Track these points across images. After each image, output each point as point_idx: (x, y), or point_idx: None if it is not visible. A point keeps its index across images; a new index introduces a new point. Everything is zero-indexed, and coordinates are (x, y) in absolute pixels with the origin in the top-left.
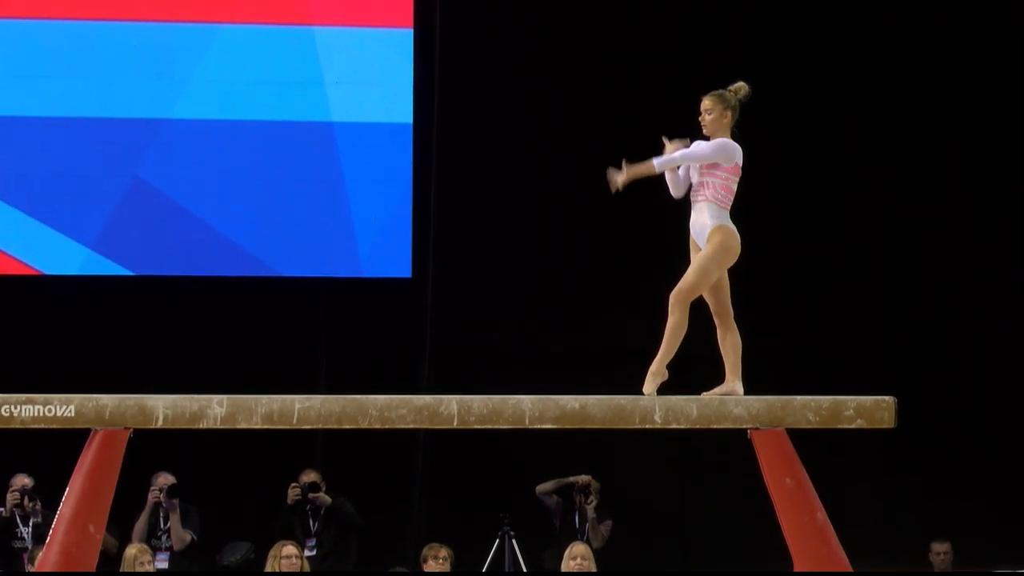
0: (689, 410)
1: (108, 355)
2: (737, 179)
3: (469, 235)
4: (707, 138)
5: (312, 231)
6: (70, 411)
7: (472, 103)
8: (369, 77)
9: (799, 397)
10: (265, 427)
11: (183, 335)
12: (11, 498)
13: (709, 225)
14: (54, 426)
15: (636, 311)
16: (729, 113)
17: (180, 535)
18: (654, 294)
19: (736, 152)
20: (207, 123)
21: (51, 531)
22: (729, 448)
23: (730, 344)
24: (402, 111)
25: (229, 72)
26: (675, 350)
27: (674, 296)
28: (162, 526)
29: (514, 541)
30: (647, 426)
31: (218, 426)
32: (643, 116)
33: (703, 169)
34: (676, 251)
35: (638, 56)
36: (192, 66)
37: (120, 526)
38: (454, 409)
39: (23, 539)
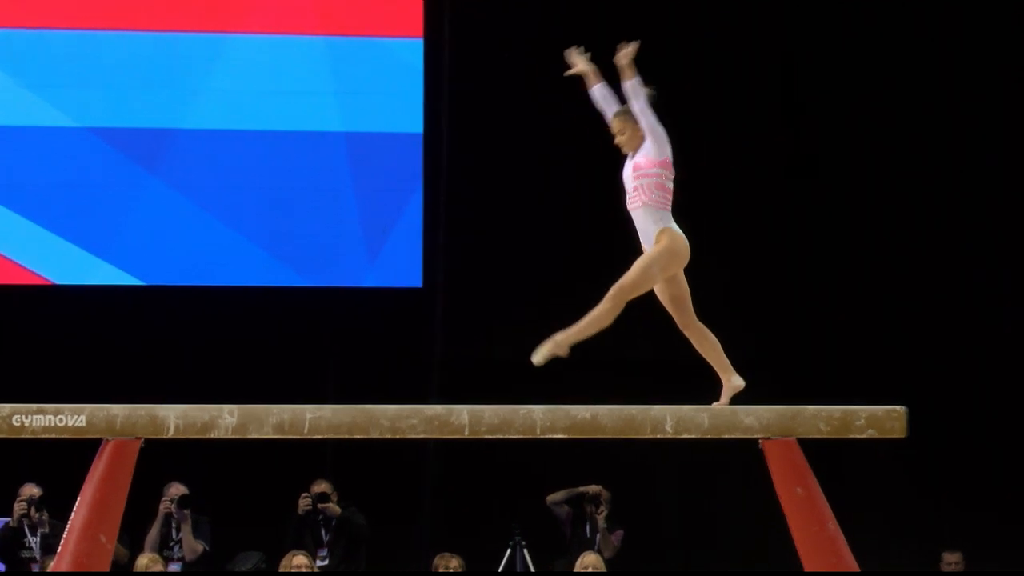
0: (700, 420)
1: (119, 365)
2: (672, 176)
3: (480, 245)
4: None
5: (323, 241)
6: (81, 421)
7: (482, 112)
8: (379, 87)
9: (810, 407)
10: (276, 437)
11: (193, 345)
12: (18, 508)
13: (653, 231)
14: (65, 436)
15: (647, 322)
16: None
17: (192, 545)
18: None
19: (668, 143)
20: (218, 133)
21: (62, 541)
22: (740, 458)
23: (709, 345)
24: (412, 121)
25: (240, 82)
26: (587, 335)
27: (613, 289)
28: (174, 536)
29: (525, 551)
30: (658, 436)
31: (229, 436)
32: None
33: (635, 173)
34: (691, 263)
35: (647, 64)
36: (203, 76)
37: (132, 536)
38: (465, 419)
39: (31, 549)
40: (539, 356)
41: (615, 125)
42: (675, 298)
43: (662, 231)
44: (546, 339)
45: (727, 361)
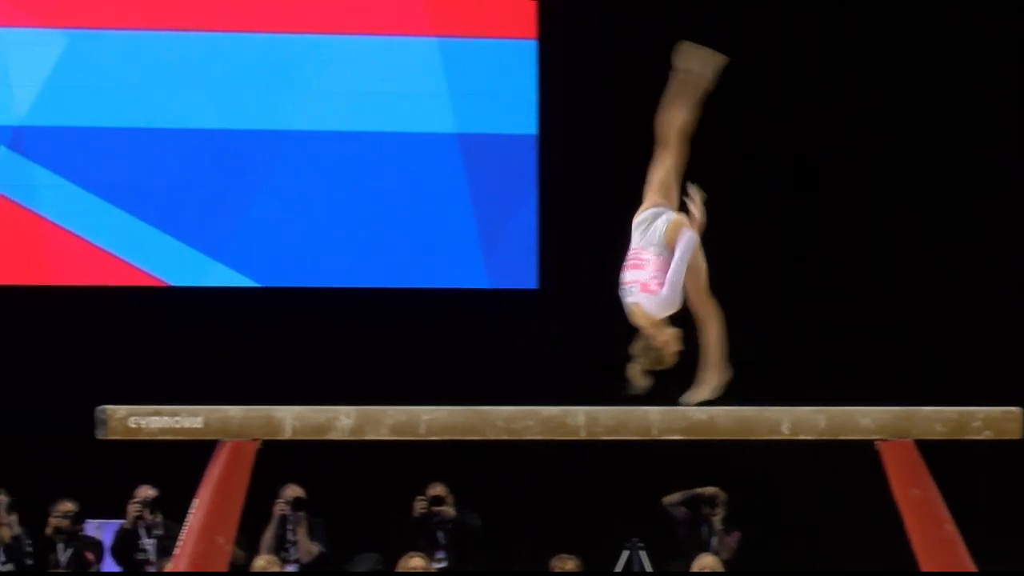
0: (817, 421)
1: (235, 366)
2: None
3: (594, 246)
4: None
5: (437, 243)
6: (198, 423)
7: (597, 113)
8: (493, 88)
9: (926, 408)
10: (392, 438)
11: (309, 346)
12: (133, 509)
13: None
14: (181, 438)
15: (758, 323)
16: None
17: (307, 547)
18: (773, 308)
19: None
20: (332, 135)
21: (180, 543)
22: (856, 458)
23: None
24: (527, 122)
25: (353, 83)
26: (724, 347)
27: (703, 298)
28: (290, 538)
29: (642, 553)
30: (774, 437)
31: (346, 437)
32: (764, 123)
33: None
34: (798, 264)
35: (761, 66)
36: (316, 77)
37: (248, 538)
38: (581, 420)
39: (146, 551)
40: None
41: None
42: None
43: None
44: (703, 386)
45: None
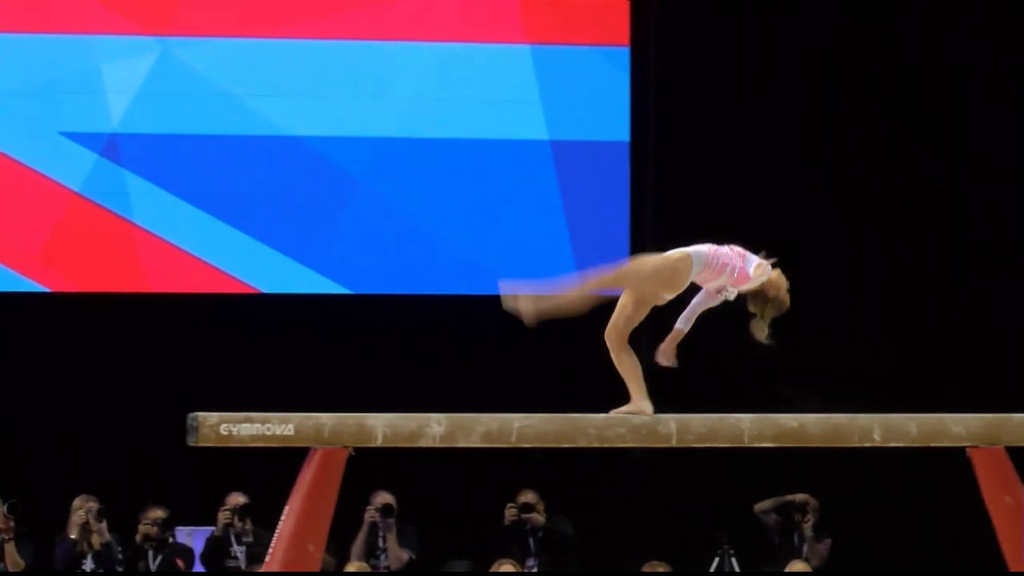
0: (908, 429)
1: (326, 373)
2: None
3: None
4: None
5: (529, 249)
6: (289, 430)
7: (690, 120)
8: (585, 95)
9: (1017, 415)
10: (484, 446)
11: (400, 353)
12: (223, 517)
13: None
14: (273, 445)
15: (847, 331)
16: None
17: (397, 554)
18: (863, 315)
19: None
20: (424, 142)
21: (271, 550)
22: (947, 465)
23: (627, 366)
24: (619, 129)
25: (445, 90)
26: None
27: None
28: (380, 545)
29: (733, 559)
30: (865, 445)
31: (437, 445)
32: (864, 134)
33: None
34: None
35: (854, 74)
36: (409, 85)
37: (339, 544)
38: (672, 428)
39: (236, 558)
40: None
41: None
42: (625, 308)
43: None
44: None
45: (643, 386)
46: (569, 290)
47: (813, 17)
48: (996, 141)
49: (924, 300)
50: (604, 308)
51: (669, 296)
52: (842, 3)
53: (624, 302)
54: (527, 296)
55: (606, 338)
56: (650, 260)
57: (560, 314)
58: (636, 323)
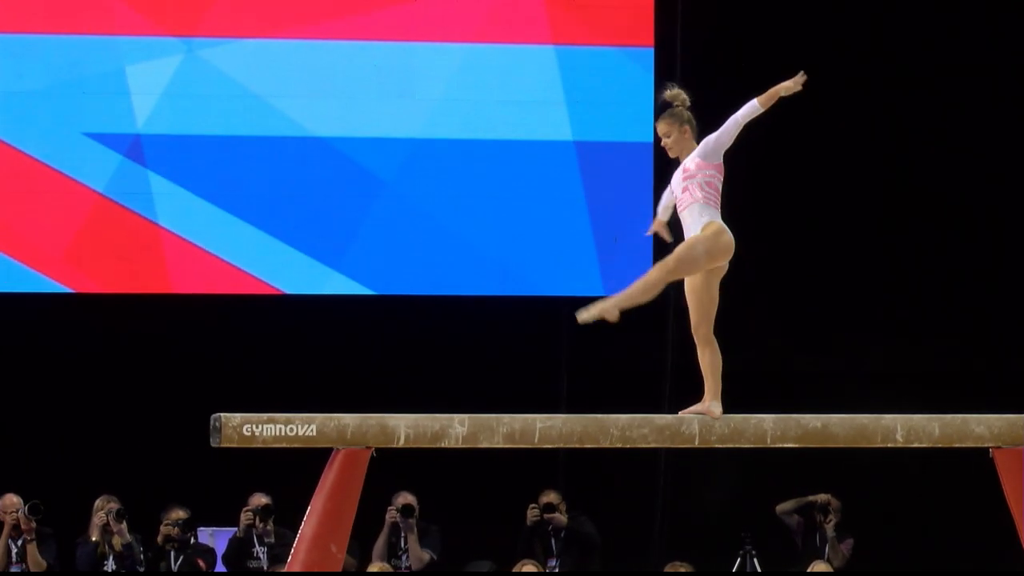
0: (931, 429)
1: (349, 374)
2: (722, 177)
3: None
4: (678, 161)
5: (553, 250)
6: (311, 430)
7: (714, 122)
8: (610, 96)
9: None
10: (507, 446)
11: (423, 354)
12: (244, 518)
13: (699, 224)
14: (296, 445)
15: (875, 333)
16: (687, 127)
17: (418, 555)
18: (887, 316)
19: (714, 145)
20: (448, 142)
21: (293, 550)
22: (970, 465)
23: (708, 362)
24: (643, 130)
25: (470, 91)
26: (635, 303)
27: (658, 265)
28: (402, 546)
29: (756, 560)
30: (888, 445)
31: (460, 445)
32: (895, 145)
33: (682, 178)
34: (913, 274)
35: (884, 72)
36: (433, 85)
37: (361, 545)
38: (695, 428)
39: (259, 559)
40: (586, 315)
41: (660, 128)
42: (702, 301)
43: (709, 223)
44: (597, 301)
45: (719, 385)
46: (635, 287)
47: (838, 16)
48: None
49: (947, 300)
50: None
51: (726, 261)
52: (867, 2)
53: (696, 294)
54: (601, 303)
55: (695, 333)
56: (698, 244)
57: (636, 303)
58: (716, 305)
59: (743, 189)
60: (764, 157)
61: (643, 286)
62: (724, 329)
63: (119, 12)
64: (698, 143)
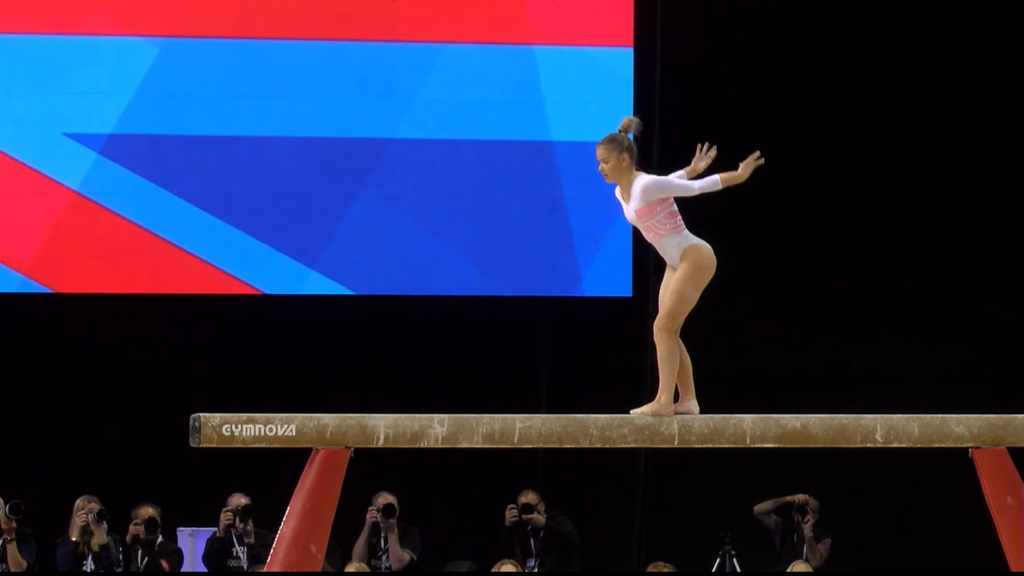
0: (911, 429)
1: (328, 374)
2: (672, 201)
3: None
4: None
5: (532, 250)
6: (291, 431)
7: (692, 123)
8: (589, 96)
9: (1020, 416)
10: (486, 446)
11: (403, 354)
12: (224, 518)
13: (676, 254)
14: (275, 445)
15: (855, 333)
16: (626, 155)
17: (398, 555)
18: (867, 317)
19: (654, 189)
20: (428, 142)
21: (272, 551)
22: (948, 466)
23: (683, 363)
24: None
25: (450, 91)
26: (673, 377)
27: (656, 327)
28: (382, 546)
29: (734, 560)
30: (868, 445)
31: (439, 445)
32: (877, 145)
33: (638, 220)
34: (891, 273)
35: (861, 72)
36: (414, 85)
37: (341, 545)
38: (675, 428)
39: (238, 559)
40: (639, 411)
41: (599, 152)
42: (661, 298)
43: (685, 251)
44: (648, 405)
45: (692, 384)
46: (667, 362)
47: (818, 16)
48: (996, 139)
49: (926, 300)
50: (597, 312)
51: (712, 274)
52: (848, 2)
53: (677, 294)
54: (650, 405)
55: (657, 330)
56: (685, 288)
57: (675, 380)
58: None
59: (726, 190)
60: (741, 158)
61: (665, 360)
62: (704, 329)
63: (95, 12)
64: (637, 170)
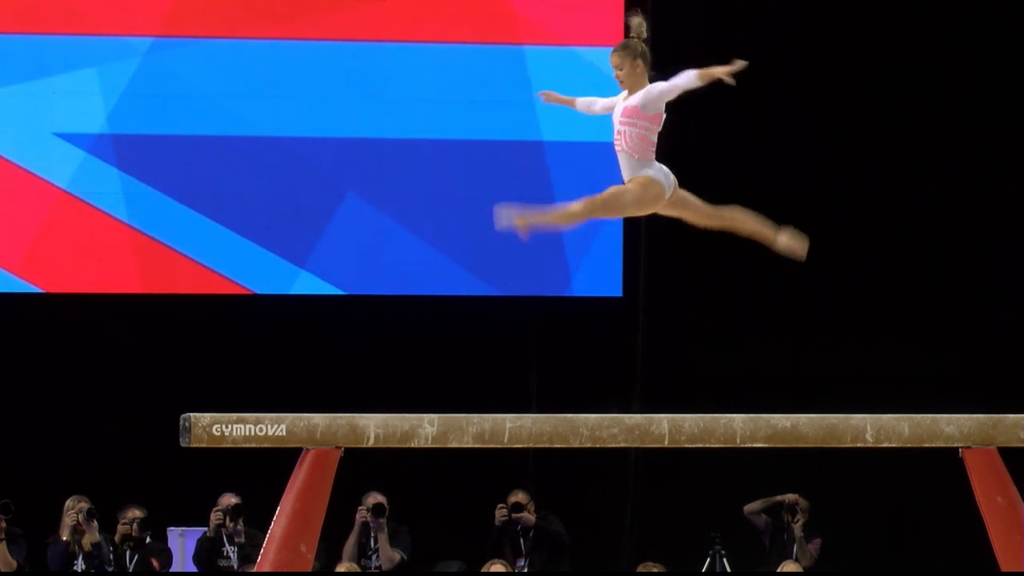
0: (901, 429)
1: (319, 374)
2: (658, 128)
3: (680, 254)
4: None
5: (523, 250)
6: (281, 430)
7: (684, 119)
8: (579, 95)
9: (1011, 416)
10: (476, 446)
11: (393, 353)
12: (214, 517)
13: (632, 175)
14: (265, 445)
15: (849, 333)
16: (640, 61)
17: (388, 555)
18: (857, 318)
19: (657, 97)
20: (418, 142)
21: (262, 550)
22: (939, 466)
23: (747, 219)
24: (611, 129)
25: (440, 91)
26: (546, 224)
27: (585, 199)
28: (371, 546)
29: (725, 560)
30: (858, 445)
31: (429, 445)
32: (868, 145)
33: (621, 118)
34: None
35: (853, 72)
36: (403, 85)
37: (331, 545)
38: (665, 428)
39: (229, 559)
40: (505, 220)
41: (613, 60)
42: (682, 209)
43: (633, 178)
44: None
45: (770, 224)
46: (558, 210)
47: (812, 15)
48: (989, 139)
49: (916, 300)
50: (588, 312)
51: (645, 214)
52: (839, 3)
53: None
54: (518, 210)
55: (581, 204)
56: (627, 192)
57: (548, 227)
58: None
59: (712, 187)
60: (737, 156)
61: (565, 215)
62: (695, 329)
63: (84, 12)
64: (650, 79)
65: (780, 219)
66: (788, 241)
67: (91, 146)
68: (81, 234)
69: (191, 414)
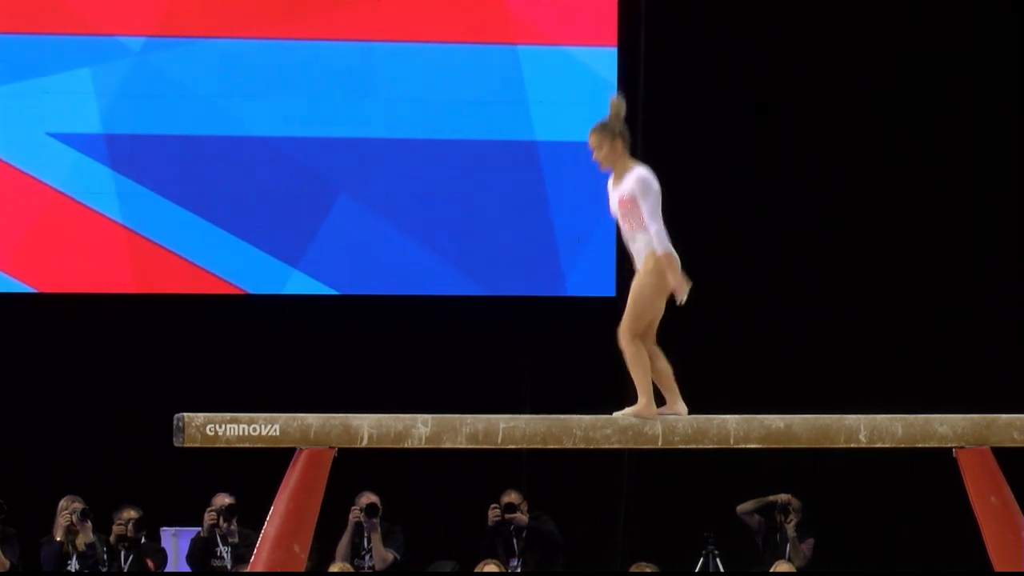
0: (894, 429)
1: (312, 374)
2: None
3: None
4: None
5: (516, 250)
6: (275, 430)
7: (676, 121)
8: (573, 96)
9: (1004, 416)
10: (470, 447)
11: (386, 354)
12: (208, 518)
13: (642, 252)
14: (259, 445)
15: (844, 332)
16: (619, 140)
17: (382, 555)
18: (850, 318)
19: (652, 179)
20: (411, 142)
21: (256, 550)
22: (932, 466)
23: (660, 368)
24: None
25: (434, 91)
26: (647, 380)
27: (621, 338)
28: (365, 546)
29: (718, 560)
30: (852, 445)
31: (423, 445)
32: (854, 144)
33: (620, 211)
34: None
35: (848, 67)
36: (397, 85)
37: (324, 545)
38: (658, 429)
39: (222, 558)
40: (621, 414)
41: (591, 140)
42: (647, 314)
43: (648, 255)
44: (630, 408)
45: (676, 386)
46: (635, 367)
47: (805, 14)
48: (987, 139)
49: (909, 300)
50: (581, 312)
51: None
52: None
53: (634, 297)
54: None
55: (620, 335)
56: (644, 292)
57: (648, 383)
58: (651, 319)
59: (706, 190)
60: (725, 158)
61: (633, 364)
62: (687, 330)
63: (79, 12)
64: (631, 155)
65: (779, 218)
66: (680, 410)
67: (84, 146)
68: (74, 234)
69: (185, 414)
